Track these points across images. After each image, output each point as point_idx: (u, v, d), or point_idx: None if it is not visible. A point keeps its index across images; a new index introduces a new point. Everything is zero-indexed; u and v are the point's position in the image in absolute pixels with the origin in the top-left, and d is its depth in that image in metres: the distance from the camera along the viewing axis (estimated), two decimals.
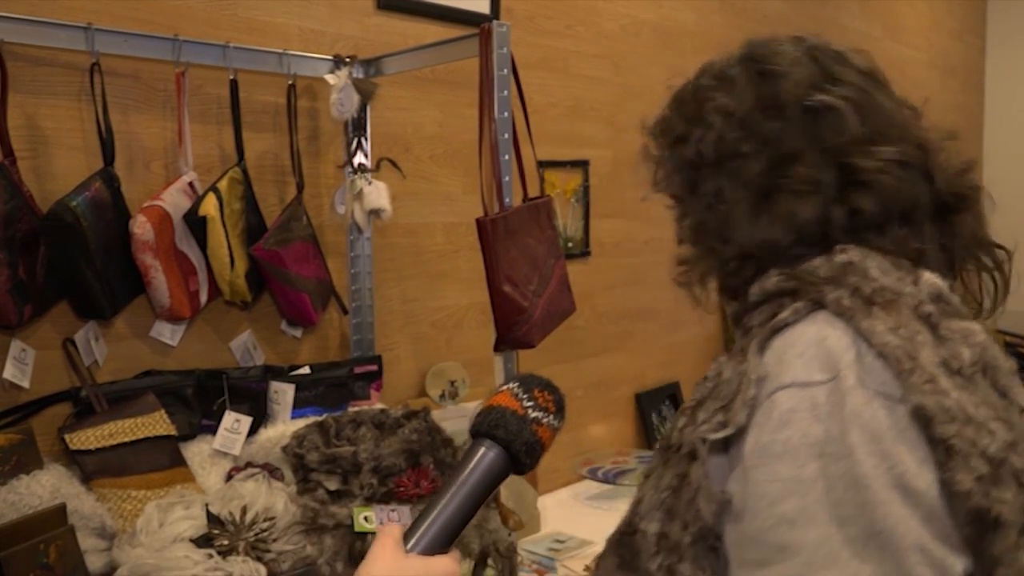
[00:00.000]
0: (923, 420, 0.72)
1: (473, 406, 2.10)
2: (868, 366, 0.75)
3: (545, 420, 0.83)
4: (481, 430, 0.81)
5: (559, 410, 0.85)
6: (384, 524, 0.79)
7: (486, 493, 0.80)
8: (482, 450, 0.81)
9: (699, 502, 0.79)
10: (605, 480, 2.44)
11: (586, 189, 2.60)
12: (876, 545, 0.69)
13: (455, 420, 2.03)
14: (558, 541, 2.09)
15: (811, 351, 0.77)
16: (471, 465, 0.80)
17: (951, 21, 4.73)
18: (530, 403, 0.83)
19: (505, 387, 0.85)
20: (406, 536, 0.77)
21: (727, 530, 0.78)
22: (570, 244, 2.56)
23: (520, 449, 0.80)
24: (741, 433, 0.77)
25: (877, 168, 0.84)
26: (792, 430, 0.73)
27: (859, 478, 0.70)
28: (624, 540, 0.86)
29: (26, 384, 1.48)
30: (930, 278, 0.83)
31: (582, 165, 2.58)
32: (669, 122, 0.96)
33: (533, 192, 1.77)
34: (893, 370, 0.74)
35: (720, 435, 0.78)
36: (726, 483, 0.79)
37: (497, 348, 1.62)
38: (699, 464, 0.79)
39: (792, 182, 0.85)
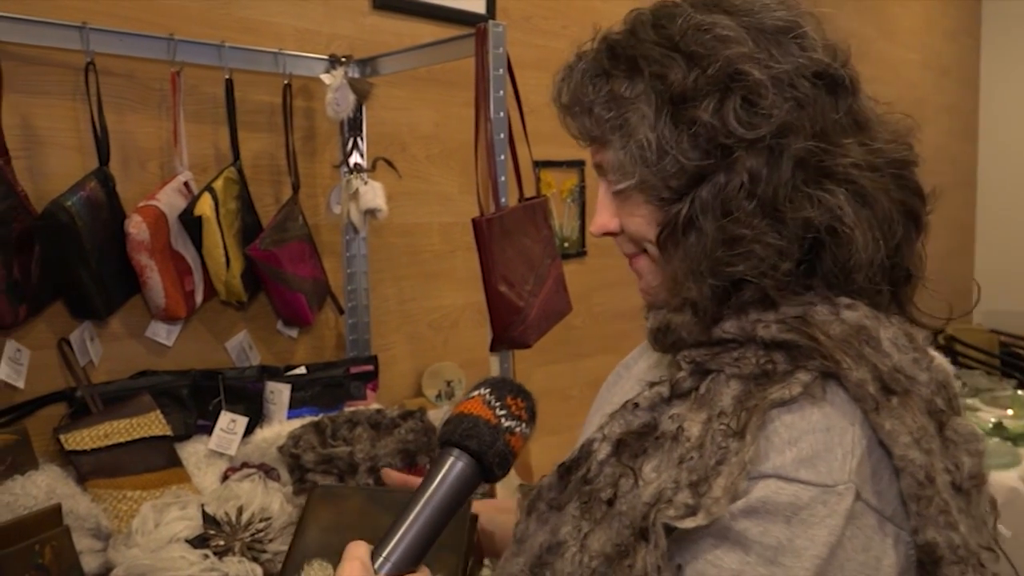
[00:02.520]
0: (931, 558, 0.65)
1: None
2: (876, 478, 0.66)
3: (518, 429, 0.77)
4: (452, 440, 0.75)
5: (531, 417, 0.79)
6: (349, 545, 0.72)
7: (457, 505, 0.74)
8: (451, 460, 0.74)
9: None
10: None
11: (582, 189, 2.60)
12: None
13: None
14: None
15: (808, 442, 0.66)
16: (440, 476, 0.74)
17: (945, 21, 4.73)
18: (503, 411, 0.77)
19: (476, 393, 0.79)
20: (374, 553, 0.70)
21: None
22: (566, 244, 2.56)
23: (493, 461, 0.75)
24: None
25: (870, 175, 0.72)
26: (752, 523, 0.64)
27: None
28: None
29: (21, 384, 1.47)
30: (941, 362, 0.72)
31: (578, 165, 2.58)
32: (665, 68, 0.74)
33: (529, 192, 1.77)
34: (908, 491, 0.65)
35: (689, 525, 0.64)
36: (679, 555, 0.67)
37: (493, 348, 1.62)
38: (652, 551, 0.65)
39: (837, 172, 0.70)
